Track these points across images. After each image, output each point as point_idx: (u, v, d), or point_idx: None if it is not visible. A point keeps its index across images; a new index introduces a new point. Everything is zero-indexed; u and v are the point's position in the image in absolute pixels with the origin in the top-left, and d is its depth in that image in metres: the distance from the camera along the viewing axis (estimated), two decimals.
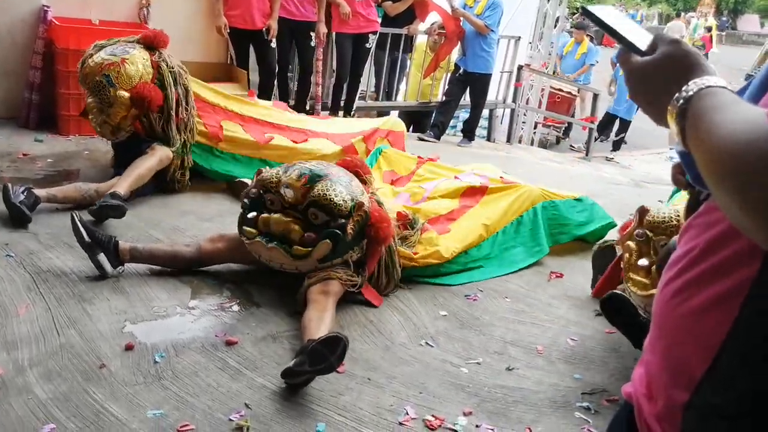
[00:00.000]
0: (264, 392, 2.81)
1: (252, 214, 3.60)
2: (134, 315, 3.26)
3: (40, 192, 4.19)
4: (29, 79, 6.07)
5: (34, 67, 6.05)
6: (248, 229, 3.57)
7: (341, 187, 3.51)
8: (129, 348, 2.98)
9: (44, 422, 2.47)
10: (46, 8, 6.06)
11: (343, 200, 3.48)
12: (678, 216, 3.36)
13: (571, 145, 12.43)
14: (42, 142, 5.73)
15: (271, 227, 3.52)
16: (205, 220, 4.46)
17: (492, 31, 8.36)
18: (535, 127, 12.03)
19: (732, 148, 0.88)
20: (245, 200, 3.69)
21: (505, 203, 4.57)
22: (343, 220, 3.48)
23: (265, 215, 3.55)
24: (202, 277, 3.71)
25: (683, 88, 1.02)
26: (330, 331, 3.09)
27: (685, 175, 1.12)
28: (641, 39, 1.15)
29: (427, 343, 3.40)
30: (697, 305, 1.05)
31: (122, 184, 4.36)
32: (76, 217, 3.55)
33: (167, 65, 4.81)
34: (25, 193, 4.06)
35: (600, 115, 11.74)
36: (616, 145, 12.32)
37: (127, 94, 4.56)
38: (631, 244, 3.50)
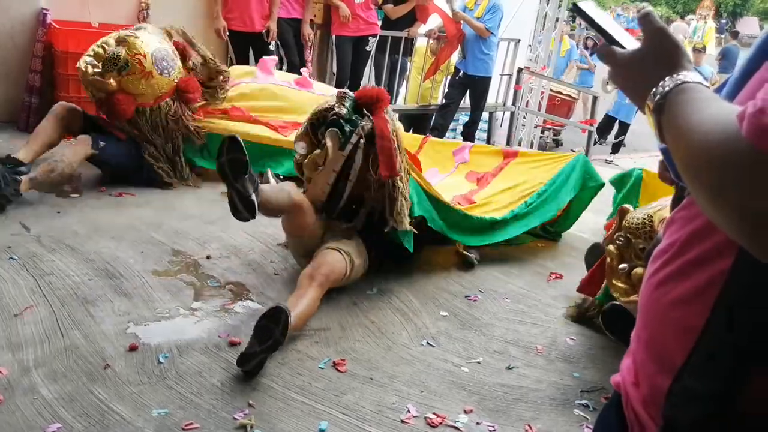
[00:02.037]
0: (268, 391, 2.84)
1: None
2: (137, 316, 3.29)
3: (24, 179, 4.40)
4: (29, 82, 6.08)
5: (34, 71, 6.07)
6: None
7: None
8: (133, 349, 3.01)
9: (50, 422, 2.50)
10: (45, 11, 6.07)
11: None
12: (650, 219, 3.38)
13: (571, 149, 12.45)
14: None
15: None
16: (208, 224, 4.48)
17: (492, 34, 8.39)
18: (543, 133, 12.10)
19: (705, 147, 0.91)
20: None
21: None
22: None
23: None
24: (204, 278, 3.74)
25: (660, 84, 1.04)
26: (304, 315, 3.21)
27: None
28: (624, 37, 1.19)
29: (428, 343, 3.42)
30: (678, 296, 1.08)
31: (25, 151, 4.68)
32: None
33: None
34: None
35: (599, 117, 11.78)
36: (616, 148, 12.36)
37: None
38: (612, 248, 3.53)
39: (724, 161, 0.87)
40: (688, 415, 1.05)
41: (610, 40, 1.18)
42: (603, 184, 4.93)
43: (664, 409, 1.08)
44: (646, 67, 1.10)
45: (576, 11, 1.27)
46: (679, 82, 1.03)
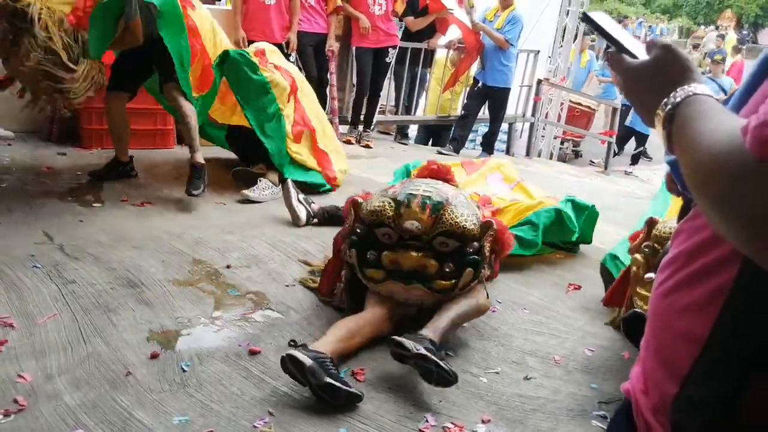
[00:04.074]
0: (287, 400, 2.86)
1: (371, 253, 3.40)
2: (159, 325, 3.32)
3: None
4: None
5: None
6: (374, 271, 3.38)
7: (465, 209, 3.39)
8: (154, 357, 3.04)
9: (73, 428, 2.53)
10: None
11: (473, 223, 3.37)
12: None
13: (591, 161, 12.43)
14: (65, 155, 5.84)
15: (402, 265, 3.34)
16: (227, 233, 4.53)
17: (512, 45, 8.41)
18: (562, 144, 12.10)
19: (710, 159, 0.93)
20: (353, 238, 3.47)
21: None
22: (476, 243, 3.38)
23: (390, 254, 3.36)
24: (224, 288, 3.77)
25: (671, 94, 1.06)
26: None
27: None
28: (634, 46, 1.21)
29: (446, 353, 3.43)
30: (685, 305, 1.10)
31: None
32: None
33: None
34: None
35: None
36: (635, 159, 12.34)
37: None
38: (639, 257, 3.53)
39: (728, 173, 0.90)
40: (693, 421, 1.06)
41: (621, 49, 1.20)
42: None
43: (671, 415, 1.10)
44: (657, 78, 1.12)
45: (586, 20, 1.29)
46: (690, 93, 1.05)
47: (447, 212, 3.34)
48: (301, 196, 4.90)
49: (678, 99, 1.05)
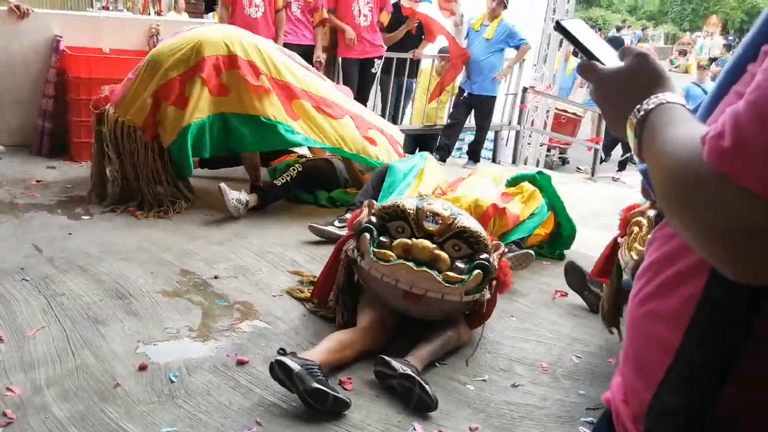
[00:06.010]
0: (275, 410, 2.88)
1: (384, 239, 3.43)
2: (147, 336, 3.34)
3: None
4: (42, 107, 6.19)
5: (47, 96, 6.17)
6: (385, 251, 3.35)
7: (477, 226, 3.48)
8: (142, 368, 3.06)
9: None
10: (58, 38, 6.18)
11: (485, 235, 3.45)
12: None
13: (577, 167, 12.48)
14: (55, 168, 5.84)
15: (414, 254, 3.33)
16: (215, 244, 4.54)
17: (526, 43, 8.53)
18: (549, 151, 12.13)
19: (672, 168, 0.95)
20: (368, 225, 3.45)
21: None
22: (487, 255, 3.40)
23: (405, 240, 3.37)
24: (212, 298, 3.79)
25: (644, 101, 1.07)
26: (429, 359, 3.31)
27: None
28: (607, 55, 1.20)
29: (433, 362, 3.45)
30: (658, 314, 1.11)
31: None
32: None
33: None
34: None
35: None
36: (622, 165, 12.38)
37: None
38: (643, 219, 3.51)
39: (687, 182, 0.92)
40: (664, 429, 1.07)
41: (591, 58, 1.20)
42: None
43: (645, 422, 1.11)
44: (631, 85, 1.12)
45: (559, 30, 1.28)
46: (664, 101, 1.06)
47: (463, 218, 3.44)
48: (236, 194, 5.06)
49: (651, 106, 1.06)
